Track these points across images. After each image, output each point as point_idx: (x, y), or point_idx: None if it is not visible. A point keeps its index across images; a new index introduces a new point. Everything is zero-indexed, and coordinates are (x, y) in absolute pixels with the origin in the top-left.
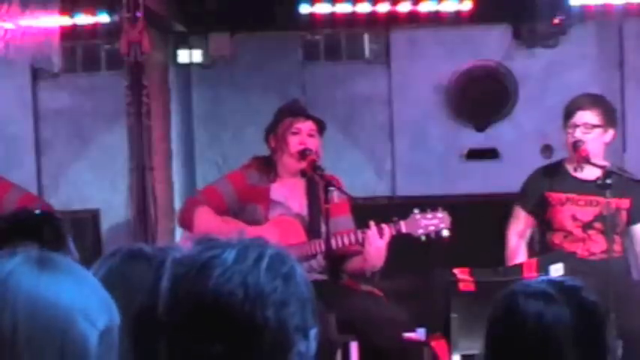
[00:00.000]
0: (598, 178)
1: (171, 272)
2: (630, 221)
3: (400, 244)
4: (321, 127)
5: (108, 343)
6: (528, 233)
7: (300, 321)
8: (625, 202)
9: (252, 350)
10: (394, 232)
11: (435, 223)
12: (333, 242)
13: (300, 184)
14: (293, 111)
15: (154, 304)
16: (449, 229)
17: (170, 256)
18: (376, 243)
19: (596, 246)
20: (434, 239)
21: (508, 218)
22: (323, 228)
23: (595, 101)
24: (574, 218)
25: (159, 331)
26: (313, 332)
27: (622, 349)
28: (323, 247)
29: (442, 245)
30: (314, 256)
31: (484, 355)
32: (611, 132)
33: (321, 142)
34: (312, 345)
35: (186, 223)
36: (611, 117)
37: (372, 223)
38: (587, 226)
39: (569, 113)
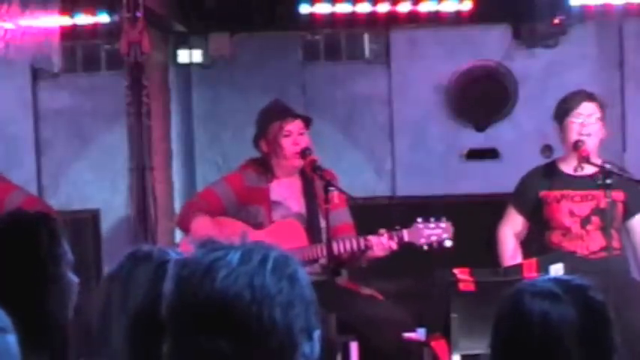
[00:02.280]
0: (593, 175)
1: (175, 274)
2: (626, 215)
3: (402, 245)
4: (307, 123)
5: None
6: (523, 235)
7: (305, 322)
8: (619, 195)
9: (259, 351)
10: (396, 243)
11: (438, 232)
12: (335, 247)
13: (297, 183)
14: (278, 113)
15: (155, 305)
16: (451, 239)
17: (171, 258)
18: (379, 253)
19: (594, 243)
20: (436, 248)
21: (501, 218)
22: (322, 224)
23: (593, 95)
24: (572, 214)
25: (163, 333)
26: (317, 334)
27: (623, 347)
28: (325, 252)
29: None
30: (316, 260)
31: (490, 355)
32: (604, 128)
33: (310, 137)
34: (316, 346)
35: (184, 228)
36: (605, 112)
37: (373, 240)
38: (585, 221)
39: (572, 105)
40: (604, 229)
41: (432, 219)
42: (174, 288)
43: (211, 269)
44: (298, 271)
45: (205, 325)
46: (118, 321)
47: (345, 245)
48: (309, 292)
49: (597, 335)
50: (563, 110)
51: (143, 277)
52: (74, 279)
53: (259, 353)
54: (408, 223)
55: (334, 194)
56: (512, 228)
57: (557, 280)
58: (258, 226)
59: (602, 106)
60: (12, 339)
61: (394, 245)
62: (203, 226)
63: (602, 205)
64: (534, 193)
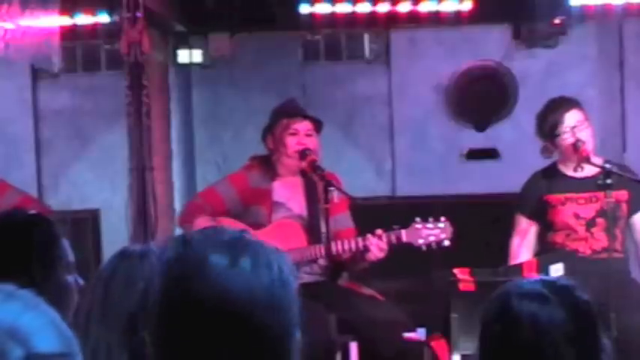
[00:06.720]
0: (595, 176)
1: (165, 273)
2: (630, 212)
3: (400, 245)
4: (318, 126)
5: None
6: (534, 242)
7: (295, 323)
8: (623, 194)
9: (253, 352)
10: (394, 241)
11: (436, 233)
12: (333, 247)
13: (299, 184)
14: (289, 111)
15: (145, 303)
16: (450, 239)
17: (159, 256)
18: (377, 255)
19: (598, 243)
20: (434, 248)
21: (511, 229)
22: (323, 228)
23: (571, 101)
24: (577, 216)
25: (152, 331)
26: (299, 335)
27: (622, 347)
28: (324, 252)
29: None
30: (315, 260)
31: (479, 356)
32: (591, 126)
33: (319, 140)
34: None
35: (186, 228)
36: (585, 111)
37: (371, 238)
38: (590, 223)
39: (556, 120)
40: (609, 230)
41: (431, 219)
42: (164, 287)
43: (203, 268)
44: (287, 272)
45: (197, 325)
46: (99, 319)
47: (343, 245)
48: (295, 294)
49: (586, 335)
50: (548, 127)
51: (125, 275)
52: (72, 281)
53: (254, 354)
54: (408, 223)
55: (334, 195)
56: (523, 238)
57: (543, 282)
58: (258, 226)
59: (582, 107)
60: None
61: (387, 239)
62: (204, 226)
63: (607, 206)
64: (538, 196)
